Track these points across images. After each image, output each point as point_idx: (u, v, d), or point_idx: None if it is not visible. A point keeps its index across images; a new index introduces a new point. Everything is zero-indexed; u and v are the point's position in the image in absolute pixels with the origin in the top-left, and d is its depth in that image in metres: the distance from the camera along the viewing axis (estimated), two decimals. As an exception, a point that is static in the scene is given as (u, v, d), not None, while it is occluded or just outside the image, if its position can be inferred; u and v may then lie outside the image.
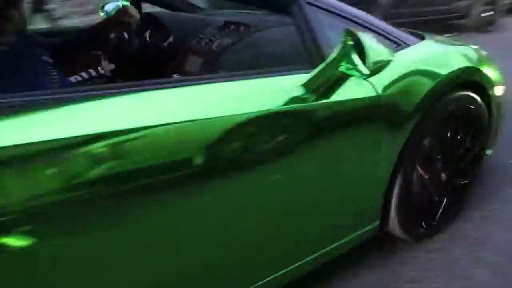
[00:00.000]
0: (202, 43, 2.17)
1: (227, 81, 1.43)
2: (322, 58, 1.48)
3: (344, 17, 1.78)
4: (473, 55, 2.22)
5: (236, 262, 1.47)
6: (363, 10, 1.97)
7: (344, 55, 1.38)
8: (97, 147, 1.05)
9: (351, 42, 1.36)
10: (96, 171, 1.05)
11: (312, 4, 1.64)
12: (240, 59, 1.98)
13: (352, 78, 1.49)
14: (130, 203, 1.13)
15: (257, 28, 2.10)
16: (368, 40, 1.37)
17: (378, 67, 1.43)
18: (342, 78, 1.49)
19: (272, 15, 2.25)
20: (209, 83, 1.38)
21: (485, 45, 2.70)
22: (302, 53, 1.59)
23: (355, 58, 1.36)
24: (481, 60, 2.23)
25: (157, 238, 1.21)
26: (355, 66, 1.37)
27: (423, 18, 6.43)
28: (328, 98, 1.50)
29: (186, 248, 1.30)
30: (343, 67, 1.40)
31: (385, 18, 2.49)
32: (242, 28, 2.13)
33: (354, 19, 1.81)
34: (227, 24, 2.24)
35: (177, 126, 1.18)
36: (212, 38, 2.14)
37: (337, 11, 1.76)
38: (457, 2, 7.07)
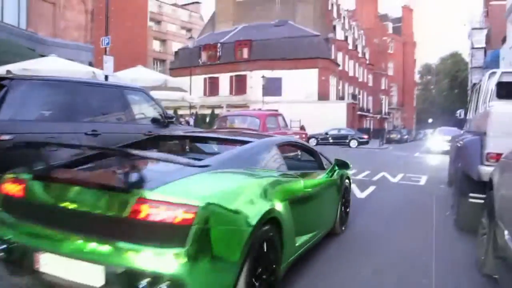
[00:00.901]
0: None
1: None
2: (323, 168, 4.97)
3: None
4: None
5: (318, 222, 4.34)
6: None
7: (332, 167, 5.09)
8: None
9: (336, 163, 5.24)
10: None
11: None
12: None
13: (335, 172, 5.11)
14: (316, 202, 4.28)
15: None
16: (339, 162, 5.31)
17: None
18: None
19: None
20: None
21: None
22: (317, 164, 5.04)
23: (337, 169, 5.15)
24: None
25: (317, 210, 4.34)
26: (335, 170, 5.11)
27: None
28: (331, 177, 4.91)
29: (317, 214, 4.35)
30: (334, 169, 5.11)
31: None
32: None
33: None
34: None
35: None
36: None
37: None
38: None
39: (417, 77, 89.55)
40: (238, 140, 3.99)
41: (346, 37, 51.70)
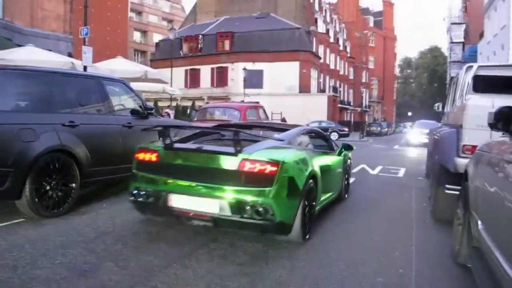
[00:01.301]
0: None
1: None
2: (334, 149, 6.60)
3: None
4: None
5: (332, 186, 5.98)
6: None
7: (340, 149, 6.77)
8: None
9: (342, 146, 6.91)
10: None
11: None
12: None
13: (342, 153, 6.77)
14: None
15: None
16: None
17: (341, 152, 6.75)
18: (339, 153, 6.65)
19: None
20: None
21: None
22: (329, 147, 6.63)
23: (343, 150, 6.84)
24: None
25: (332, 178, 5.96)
26: (342, 151, 6.76)
27: None
28: (339, 156, 6.63)
29: (332, 181, 5.99)
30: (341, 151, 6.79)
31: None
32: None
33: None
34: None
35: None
36: None
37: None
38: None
39: (397, 71, 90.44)
40: (280, 128, 5.90)
41: (327, 30, 51.84)
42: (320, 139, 6.64)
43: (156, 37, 56.57)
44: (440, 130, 7.02)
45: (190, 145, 4.71)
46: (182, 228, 4.84)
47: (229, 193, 4.00)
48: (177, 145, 4.54)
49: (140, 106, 6.87)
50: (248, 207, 3.94)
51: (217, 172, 4.13)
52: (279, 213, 4.00)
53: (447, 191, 5.33)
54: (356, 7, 68.64)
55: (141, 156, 4.57)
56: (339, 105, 50.34)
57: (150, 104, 10.34)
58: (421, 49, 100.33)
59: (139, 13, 60.50)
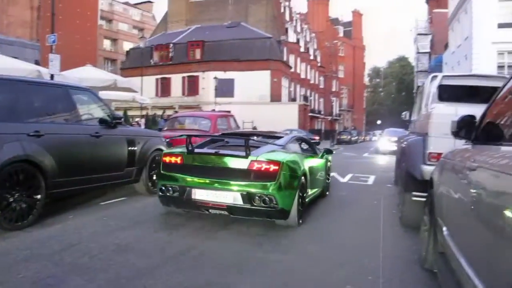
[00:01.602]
0: None
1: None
2: (317, 153, 7.77)
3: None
4: None
5: (317, 184, 7.14)
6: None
7: (323, 153, 8.05)
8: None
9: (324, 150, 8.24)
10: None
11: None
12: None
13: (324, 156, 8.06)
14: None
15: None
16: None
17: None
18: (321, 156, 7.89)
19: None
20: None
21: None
22: (313, 151, 7.85)
23: (325, 154, 8.15)
24: None
25: (317, 177, 7.02)
26: (324, 155, 8.07)
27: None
28: (322, 159, 7.87)
29: (317, 179, 7.16)
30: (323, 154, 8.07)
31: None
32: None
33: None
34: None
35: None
36: None
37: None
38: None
39: (366, 80, 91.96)
40: (276, 136, 7.15)
41: (298, 40, 52.35)
42: (306, 144, 7.90)
43: (127, 45, 55.95)
44: (407, 138, 7.16)
45: (208, 149, 5.80)
46: (151, 239, 4.81)
47: (241, 187, 5.13)
48: (197, 150, 5.66)
49: (108, 116, 6.77)
50: (256, 197, 5.09)
51: (231, 171, 5.25)
52: (280, 202, 5.13)
53: (414, 198, 5.42)
54: (326, 17, 69.63)
55: (167, 159, 5.61)
56: (310, 114, 50.76)
57: (119, 113, 10.20)
58: (390, 59, 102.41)
59: (109, 21, 59.82)
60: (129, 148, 7.07)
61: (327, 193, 8.28)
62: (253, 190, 5.07)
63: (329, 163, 8.46)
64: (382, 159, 20.71)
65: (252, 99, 39.27)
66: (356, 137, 48.69)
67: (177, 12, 49.99)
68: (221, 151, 5.48)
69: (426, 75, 37.81)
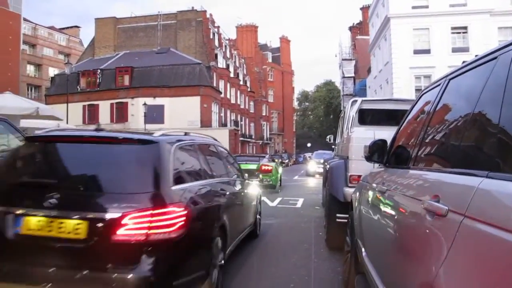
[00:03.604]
0: None
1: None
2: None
3: None
4: None
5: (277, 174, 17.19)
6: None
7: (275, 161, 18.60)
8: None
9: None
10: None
11: None
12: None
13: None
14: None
15: None
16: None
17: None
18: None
19: None
20: None
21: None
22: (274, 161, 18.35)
23: (275, 161, 19.45)
24: None
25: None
26: (275, 162, 18.77)
27: None
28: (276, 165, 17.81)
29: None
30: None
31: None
32: None
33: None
34: None
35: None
36: None
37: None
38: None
39: (295, 104, 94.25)
40: (259, 156, 18.93)
41: (227, 66, 52.92)
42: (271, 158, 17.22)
43: (52, 71, 53.87)
44: (331, 161, 7.39)
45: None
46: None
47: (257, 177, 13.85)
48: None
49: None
50: (264, 180, 14.55)
51: (253, 170, 14.16)
52: (274, 181, 15.35)
53: (338, 220, 5.57)
54: (255, 43, 71.12)
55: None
56: (241, 139, 51.16)
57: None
58: (317, 83, 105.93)
59: (33, 45, 57.42)
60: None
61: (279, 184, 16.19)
62: (262, 177, 15.47)
63: (280, 168, 18.90)
64: (312, 181, 21.21)
65: (183, 125, 38.86)
66: (287, 160, 49.51)
67: (105, 38, 49.01)
68: (247, 160, 15.42)
69: (351, 98, 39.53)
